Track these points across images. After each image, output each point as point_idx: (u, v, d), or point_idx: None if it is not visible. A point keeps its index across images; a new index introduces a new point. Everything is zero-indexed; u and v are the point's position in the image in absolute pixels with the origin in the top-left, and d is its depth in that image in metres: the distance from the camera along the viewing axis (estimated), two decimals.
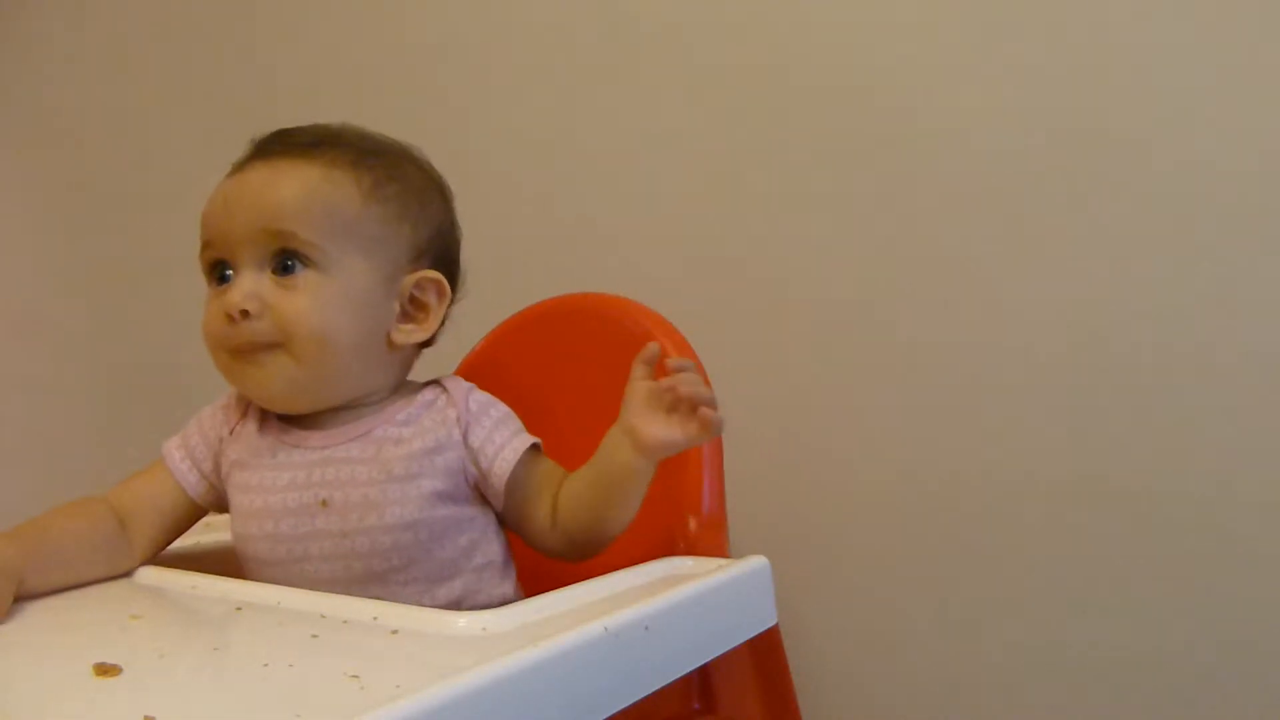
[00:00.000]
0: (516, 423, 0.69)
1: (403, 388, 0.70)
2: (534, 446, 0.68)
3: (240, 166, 0.67)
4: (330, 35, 1.29)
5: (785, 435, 0.99)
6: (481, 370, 0.86)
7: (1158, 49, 0.85)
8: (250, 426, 0.68)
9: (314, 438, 0.66)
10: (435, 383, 0.70)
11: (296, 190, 0.63)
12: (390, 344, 0.67)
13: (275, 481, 0.65)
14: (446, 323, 0.72)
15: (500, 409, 0.69)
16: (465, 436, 0.66)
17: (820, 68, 0.98)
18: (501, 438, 0.66)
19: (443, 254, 0.71)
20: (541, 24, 1.13)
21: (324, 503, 0.63)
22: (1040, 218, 0.89)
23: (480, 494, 0.67)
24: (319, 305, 0.62)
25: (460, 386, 0.69)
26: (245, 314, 0.62)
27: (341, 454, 0.65)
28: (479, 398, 0.69)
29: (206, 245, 0.65)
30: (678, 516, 0.69)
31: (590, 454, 0.77)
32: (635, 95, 1.07)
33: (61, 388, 1.53)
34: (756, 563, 0.61)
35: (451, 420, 0.66)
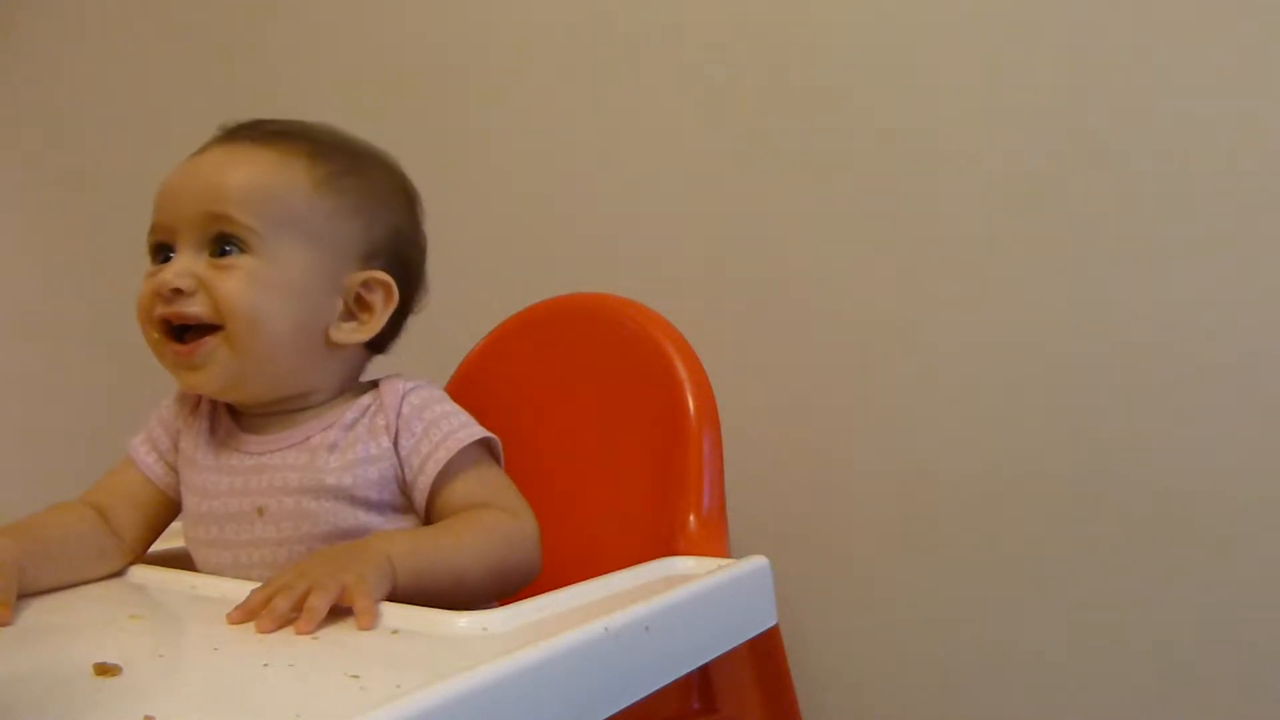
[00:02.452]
0: (451, 424, 0.65)
1: (348, 391, 0.68)
2: (465, 450, 0.64)
3: (201, 150, 0.66)
4: (332, 34, 1.29)
5: (785, 435, 0.99)
6: (480, 371, 0.86)
7: (1157, 48, 0.85)
8: (201, 423, 0.68)
9: (252, 442, 0.65)
10: (375, 385, 0.68)
11: (242, 175, 0.63)
12: (329, 341, 0.65)
13: (216, 486, 0.64)
14: (402, 332, 0.71)
15: (435, 410, 0.66)
16: (396, 444, 0.64)
17: (822, 68, 0.98)
18: (426, 448, 0.64)
19: (398, 258, 0.69)
20: (542, 23, 1.13)
21: (260, 511, 0.63)
22: (1041, 217, 0.89)
23: None
24: (251, 287, 0.61)
25: (395, 391, 0.66)
26: (178, 292, 0.61)
27: (277, 461, 0.64)
28: (415, 400, 0.66)
29: (153, 227, 0.64)
30: (678, 516, 0.69)
31: (588, 455, 0.77)
32: (635, 95, 1.07)
33: (61, 388, 1.53)
34: (756, 563, 0.61)
35: (381, 428, 0.65)
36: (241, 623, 0.49)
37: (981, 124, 0.91)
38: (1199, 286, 0.84)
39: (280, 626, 0.48)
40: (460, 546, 0.60)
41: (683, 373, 0.75)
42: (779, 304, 1.00)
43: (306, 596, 0.49)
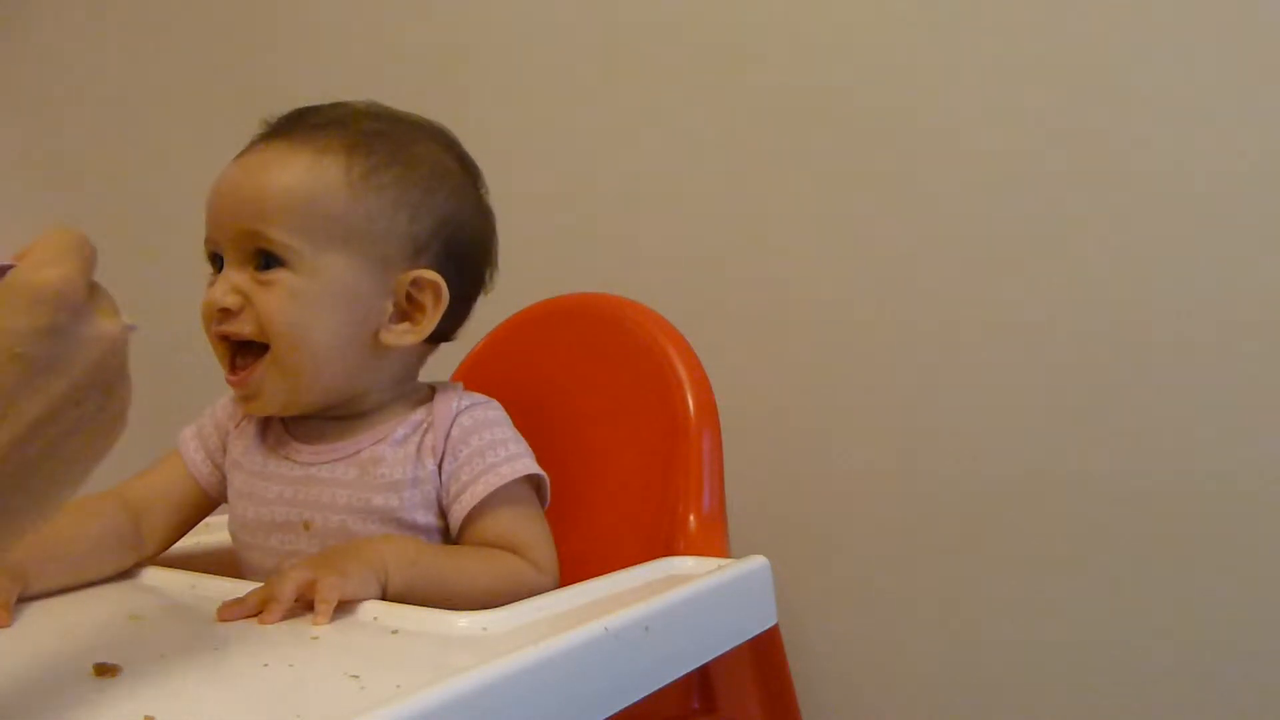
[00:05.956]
0: (496, 455, 0.63)
1: (405, 396, 0.67)
2: (506, 486, 0.62)
3: (244, 150, 0.65)
4: (338, 30, 1.29)
5: (785, 435, 0.99)
6: (482, 370, 0.86)
7: (1154, 47, 0.85)
8: (252, 427, 0.67)
9: (304, 452, 0.64)
10: (431, 397, 0.67)
11: (276, 185, 0.60)
12: (380, 345, 0.63)
13: (265, 493, 0.64)
14: (470, 317, 0.70)
15: (484, 437, 0.64)
16: (440, 466, 0.63)
17: (820, 68, 0.98)
18: (466, 476, 0.62)
19: (451, 246, 0.65)
20: (543, 24, 1.13)
21: (307, 525, 0.62)
22: (1043, 218, 0.89)
23: None
24: (292, 303, 0.60)
25: (448, 408, 0.65)
26: (227, 311, 0.61)
27: (326, 474, 0.63)
28: (466, 422, 0.64)
29: (206, 238, 0.64)
30: (678, 516, 0.69)
31: (588, 455, 0.77)
32: (636, 95, 1.07)
33: None
34: (756, 563, 0.61)
35: (429, 449, 0.63)
36: (231, 619, 0.50)
37: (982, 125, 0.91)
38: (1200, 286, 0.84)
39: (248, 616, 0.50)
40: (461, 577, 0.59)
41: (683, 373, 0.75)
42: (779, 304, 1.00)
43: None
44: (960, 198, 0.92)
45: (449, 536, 0.64)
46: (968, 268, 0.92)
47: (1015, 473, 0.90)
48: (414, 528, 0.62)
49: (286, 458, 0.65)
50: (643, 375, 0.77)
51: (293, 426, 0.66)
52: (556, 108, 1.12)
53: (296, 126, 0.64)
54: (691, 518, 0.69)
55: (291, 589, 0.50)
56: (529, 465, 0.64)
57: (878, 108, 0.95)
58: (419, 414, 0.65)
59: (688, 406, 0.73)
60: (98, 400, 0.38)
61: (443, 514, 0.64)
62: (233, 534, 0.67)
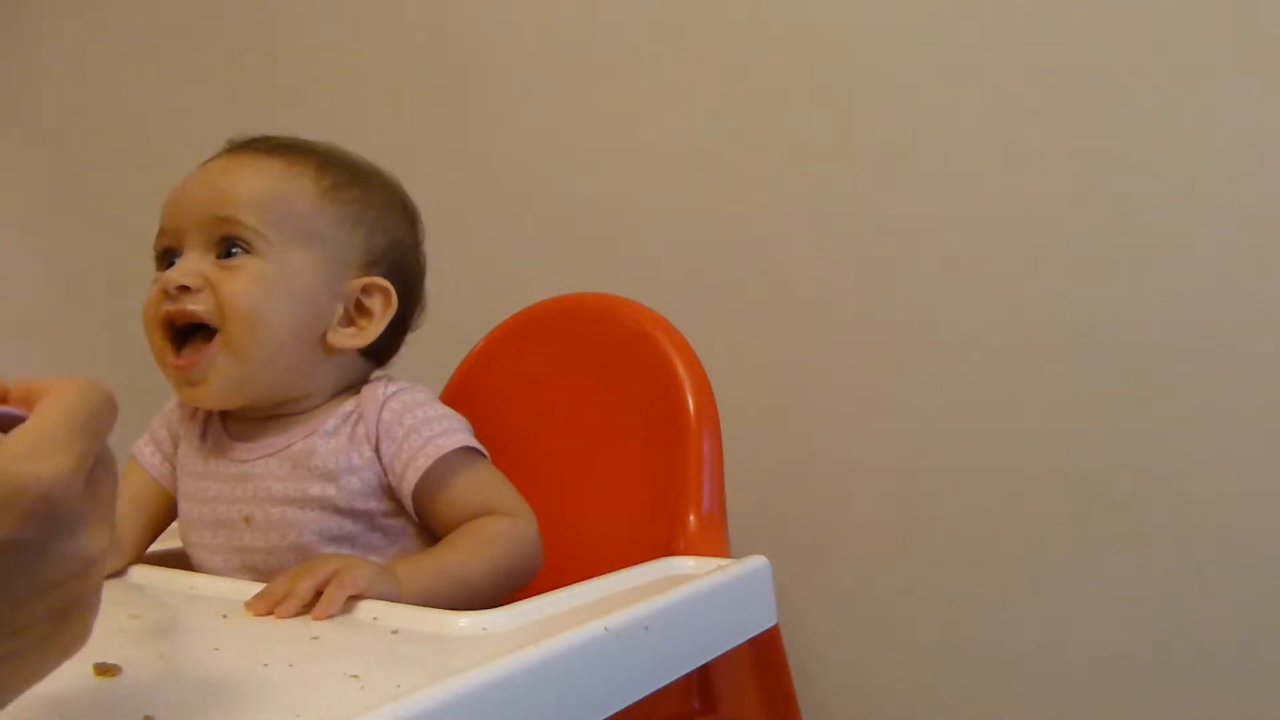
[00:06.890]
0: (431, 430, 0.65)
1: (338, 395, 0.68)
2: (448, 456, 0.64)
3: (208, 161, 0.68)
4: (329, 35, 1.29)
5: (785, 435, 0.99)
6: (480, 371, 0.86)
7: (1153, 47, 0.85)
8: (195, 429, 0.69)
9: (239, 449, 0.66)
10: (357, 392, 0.68)
11: (250, 180, 0.64)
12: (326, 346, 0.65)
13: (205, 492, 0.66)
14: (402, 346, 0.72)
15: (416, 415, 0.65)
16: (378, 451, 0.65)
17: (818, 69, 0.98)
18: (407, 454, 0.64)
19: (398, 269, 0.70)
20: (541, 24, 1.13)
21: (247, 519, 0.64)
22: (1042, 217, 0.89)
23: None
24: (256, 286, 0.62)
25: (376, 397, 0.66)
26: (184, 289, 0.62)
27: (260, 469, 0.64)
28: (395, 405, 0.66)
29: (160, 232, 0.66)
30: (678, 516, 0.69)
31: (588, 455, 0.77)
32: (635, 95, 1.07)
33: None
34: (756, 563, 0.61)
35: (362, 437, 0.65)
36: (265, 612, 0.52)
37: (982, 124, 0.91)
38: (1200, 287, 0.83)
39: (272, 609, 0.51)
40: (466, 561, 0.61)
41: (683, 373, 0.75)
42: (779, 304, 1.00)
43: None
44: (961, 199, 0.92)
45: (396, 519, 0.66)
46: (969, 268, 0.92)
47: (1015, 473, 0.90)
48: (353, 513, 0.64)
49: (224, 456, 0.66)
50: (643, 376, 0.77)
51: (230, 426, 0.68)
52: (557, 108, 1.12)
53: (265, 143, 0.68)
54: (691, 518, 0.69)
55: (310, 585, 0.51)
56: (465, 439, 0.66)
57: (879, 109, 0.95)
58: (348, 405, 0.67)
59: (688, 406, 0.73)
60: (45, 629, 0.30)
61: (389, 497, 0.65)
62: (181, 534, 0.68)
